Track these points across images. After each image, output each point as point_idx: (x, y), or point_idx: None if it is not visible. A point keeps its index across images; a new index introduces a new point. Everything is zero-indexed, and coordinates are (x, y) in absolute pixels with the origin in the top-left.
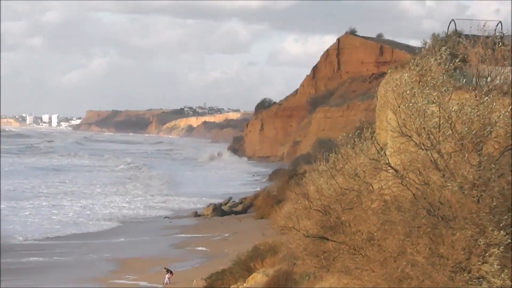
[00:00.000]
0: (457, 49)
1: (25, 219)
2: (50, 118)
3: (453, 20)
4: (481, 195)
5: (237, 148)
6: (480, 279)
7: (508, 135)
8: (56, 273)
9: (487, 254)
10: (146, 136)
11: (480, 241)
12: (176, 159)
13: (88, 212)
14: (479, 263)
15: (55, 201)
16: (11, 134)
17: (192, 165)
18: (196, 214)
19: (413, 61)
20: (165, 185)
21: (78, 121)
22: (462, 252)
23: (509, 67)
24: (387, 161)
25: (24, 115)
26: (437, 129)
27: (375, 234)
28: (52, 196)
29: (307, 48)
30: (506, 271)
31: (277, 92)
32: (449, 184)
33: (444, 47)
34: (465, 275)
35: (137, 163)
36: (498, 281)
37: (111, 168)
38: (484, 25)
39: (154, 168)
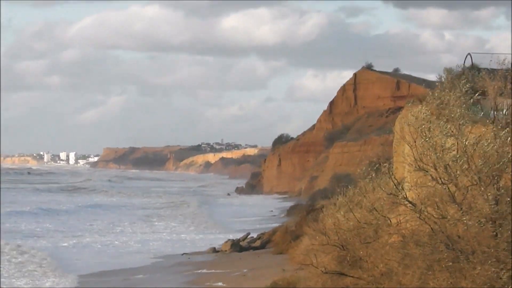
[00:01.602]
0: (475, 83)
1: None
2: (67, 156)
3: (469, 54)
4: (499, 229)
5: (254, 184)
6: None
7: None
8: None
9: (510, 287)
10: (170, 173)
11: (501, 275)
12: (210, 195)
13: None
14: None
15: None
16: (41, 172)
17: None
18: (215, 250)
19: (431, 94)
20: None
21: (96, 159)
22: (484, 286)
23: None
24: (405, 195)
25: (41, 153)
26: (455, 163)
27: (394, 269)
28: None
29: (326, 83)
30: None
31: (295, 128)
32: (465, 219)
33: (463, 81)
34: None
35: (183, 199)
36: None
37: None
38: (503, 60)
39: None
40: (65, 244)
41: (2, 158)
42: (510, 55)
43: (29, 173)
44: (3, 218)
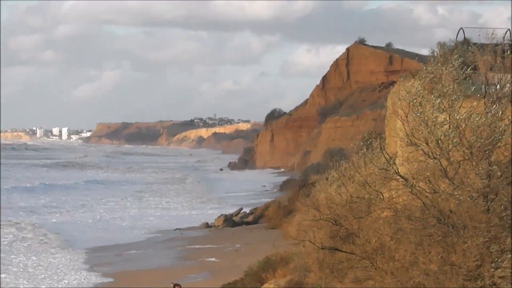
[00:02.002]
0: (467, 57)
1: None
2: (60, 131)
3: (461, 28)
4: (490, 204)
5: (247, 159)
6: (494, 286)
7: None
8: None
9: (500, 260)
10: (163, 148)
11: (492, 248)
12: (203, 170)
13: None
14: (492, 270)
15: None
16: (36, 147)
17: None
18: (207, 225)
19: (424, 69)
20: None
21: (88, 134)
22: (474, 260)
23: None
24: (397, 170)
25: (34, 128)
26: (446, 137)
27: (387, 243)
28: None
29: (319, 58)
30: None
31: (289, 103)
32: (457, 193)
33: (456, 55)
34: (478, 282)
35: (179, 175)
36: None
37: (153, 181)
38: (492, 33)
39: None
40: (64, 220)
41: None
42: (502, 29)
43: (26, 149)
44: (4, 193)
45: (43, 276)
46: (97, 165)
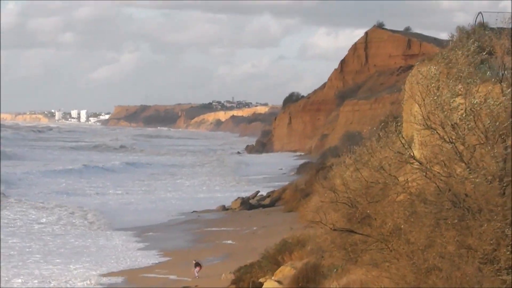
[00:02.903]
0: (483, 42)
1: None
2: (79, 114)
3: (480, 13)
4: (506, 187)
5: (265, 142)
6: (509, 270)
7: None
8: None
9: None
10: (181, 131)
11: (508, 231)
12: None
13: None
14: (508, 253)
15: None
16: (61, 130)
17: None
18: (224, 208)
19: (440, 54)
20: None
21: (107, 116)
22: (490, 243)
23: None
24: (412, 154)
25: (53, 110)
26: (462, 121)
27: (402, 226)
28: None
29: (338, 42)
30: None
31: (307, 86)
32: (472, 177)
33: (471, 40)
34: (494, 265)
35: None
36: None
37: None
38: (510, 18)
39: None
40: (105, 201)
41: (13, 115)
42: None
43: (50, 129)
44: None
45: (105, 257)
46: (131, 148)
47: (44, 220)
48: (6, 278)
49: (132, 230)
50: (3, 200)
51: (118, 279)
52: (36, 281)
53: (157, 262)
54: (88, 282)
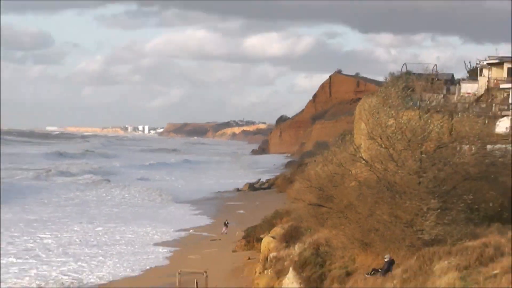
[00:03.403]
0: (408, 83)
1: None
2: (143, 128)
3: (405, 64)
4: (421, 179)
5: (264, 147)
6: (422, 231)
7: (439, 138)
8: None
9: (428, 215)
10: (211, 139)
11: (421, 207)
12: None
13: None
14: (422, 221)
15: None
16: (133, 138)
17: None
18: (238, 190)
19: (379, 90)
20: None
21: (161, 130)
22: (410, 214)
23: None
24: (361, 156)
25: (126, 126)
26: (393, 135)
27: (353, 202)
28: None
29: (312, 82)
30: (440, 227)
31: (292, 111)
32: (400, 171)
33: (400, 81)
34: (412, 228)
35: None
36: (434, 231)
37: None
38: (426, 67)
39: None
40: (169, 185)
41: (101, 128)
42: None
43: (126, 138)
44: (130, 168)
45: (173, 220)
46: (183, 151)
47: (132, 196)
48: (116, 235)
49: (187, 203)
50: (107, 184)
51: (182, 233)
52: (130, 235)
53: (203, 224)
54: (167, 235)
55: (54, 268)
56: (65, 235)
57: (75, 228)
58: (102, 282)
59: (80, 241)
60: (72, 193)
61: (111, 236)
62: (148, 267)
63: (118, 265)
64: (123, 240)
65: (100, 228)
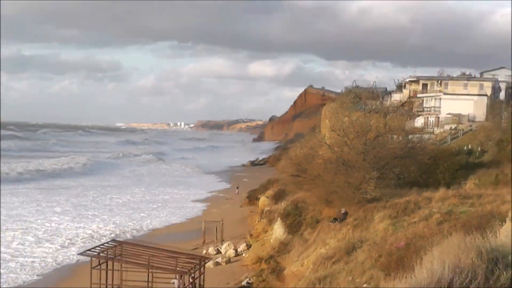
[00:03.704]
0: (357, 93)
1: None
2: (181, 124)
3: (354, 81)
4: (366, 157)
5: (261, 136)
6: (366, 193)
7: (377, 130)
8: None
9: (369, 182)
10: (226, 132)
11: (365, 177)
12: (244, 142)
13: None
14: (366, 186)
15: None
16: (174, 131)
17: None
18: (243, 165)
19: (338, 98)
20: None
21: (192, 125)
22: (358, 181)
23: (378, 101)
24: (326, 142)
25: (169, 122)
26: (347, 128)
27: (321, 173)
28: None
29: (293, 93)
30: (378, 190)
31: (280, 112)
32: (351, 152)
33: (351, 92)
34: (360, 191)
35: (234, 144)
36: (373, 193)
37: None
38: (368, 83)
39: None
40: (200, 163)
41: (152, 124)
42: (372, 81)
43: (170, 131)
44: (176, 152)
45: (204, 185)
46: (208, 139)
47: (175, 170)
48: (166, 195)
49: (212, 174)
50: (159, 162)
51: (209, 194)
52: (176, 195)
53: (222, 188)
54: (200, 195)
55: (124, 218)
56: (129, 196)
57: (137, 191)
58: (158, 226)
59: (141, 199)
60: (136, 167)
61: (163, 196)
62: (189, 217)
63: (168, 215)
64: (171, 199)
65: (154, 191)
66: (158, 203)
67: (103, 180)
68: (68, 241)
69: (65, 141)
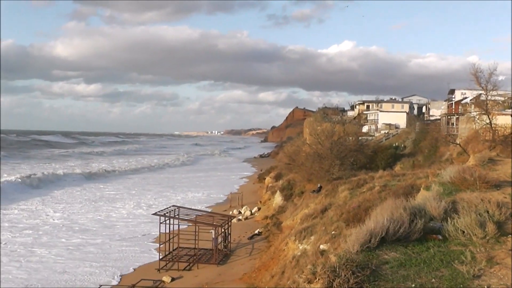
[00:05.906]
0: (326, 111)
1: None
2: (214, 131)
3: (324, 104)
4: (332, 151)
5: (266, 139)
6: (333, 174)
7: (339, 134)
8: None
9: (335, 166)
10: (244, 136)
11: (333, 164)
12: (254, 143)
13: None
14: (332, 170)
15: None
16: (211, 137)
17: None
18: (255, 158)
19: (314, 115)
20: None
21: (222, 132)
22: (328, 166)
23: (339, 116)
24: (307, 142)
25: (206, 130)
26: (320, 133)
27: (304, 161)
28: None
29: (285, 112)
30: (340, 172)
31: (278, 123)
32: (322, 148)
33: (322, 111)
34: (329, 172)
35: (249, 144)
36: (337, 174)
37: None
38: (336, 106)
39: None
40: (233, 153)
41: (197, 132)
42: (336, 104)
43: (209, 137)
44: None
45: (242, 170)
46: (235, 142)
47: (222, 161)
48: (217, 177)
49: (241, 160)
50: (212, 156)
51: (244, 175)
52: (224, 177)
53: (250, 174)
54: (238, 176)
55: (192, 194)
56: (216, 177)
57: (200, 174)
58: (210, 201)
59: (203, 181)
60: (213, 160)
61: (218, 178)
62: (230, 192)
63: (218, 191)
64: (220, 179)
65: (211, 172)
66: (212, 181)
67: (170, 173)
68: (159, 207)
69: (159, 144)
